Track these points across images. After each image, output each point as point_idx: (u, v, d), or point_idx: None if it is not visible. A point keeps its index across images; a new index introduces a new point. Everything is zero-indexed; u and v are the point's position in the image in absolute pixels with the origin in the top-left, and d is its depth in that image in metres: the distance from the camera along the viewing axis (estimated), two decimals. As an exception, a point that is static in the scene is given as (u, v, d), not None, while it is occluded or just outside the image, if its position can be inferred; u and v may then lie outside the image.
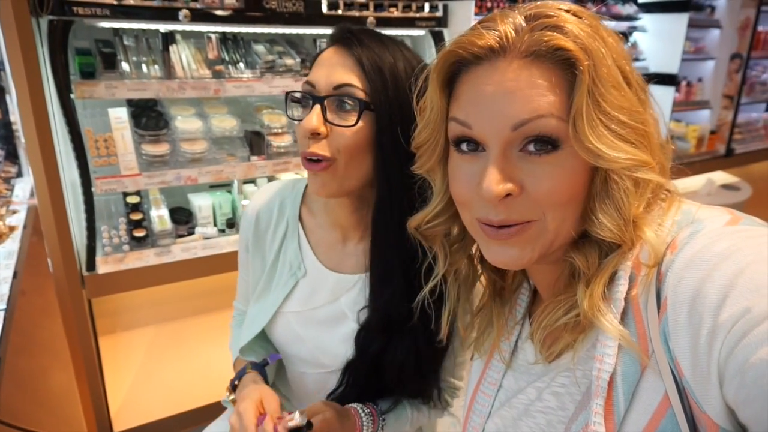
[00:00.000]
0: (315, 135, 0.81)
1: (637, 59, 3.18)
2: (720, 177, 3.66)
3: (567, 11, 0.55)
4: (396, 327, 0.91)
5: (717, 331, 0.44)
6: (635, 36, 3.24)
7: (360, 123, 0.81)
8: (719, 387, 0.44)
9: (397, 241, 0.86)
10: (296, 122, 0.86)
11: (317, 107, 0.81)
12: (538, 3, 0.56)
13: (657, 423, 0.50)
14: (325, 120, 0.81)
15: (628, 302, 0.53)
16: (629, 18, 3.03)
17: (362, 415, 0.94)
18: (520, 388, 0.68)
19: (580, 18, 0.54)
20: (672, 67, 3.10)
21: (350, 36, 0.82)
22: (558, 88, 0.53)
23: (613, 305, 0.54)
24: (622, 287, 0.54)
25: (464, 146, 0.58)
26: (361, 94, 0.80)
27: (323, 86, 0.82)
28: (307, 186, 1.03)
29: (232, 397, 0.95)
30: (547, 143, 0.53)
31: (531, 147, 0.54)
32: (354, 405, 0.95)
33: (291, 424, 0.80)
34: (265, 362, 0.99)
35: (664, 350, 0.49)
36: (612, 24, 2.89)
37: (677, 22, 3.05)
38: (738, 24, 3.46)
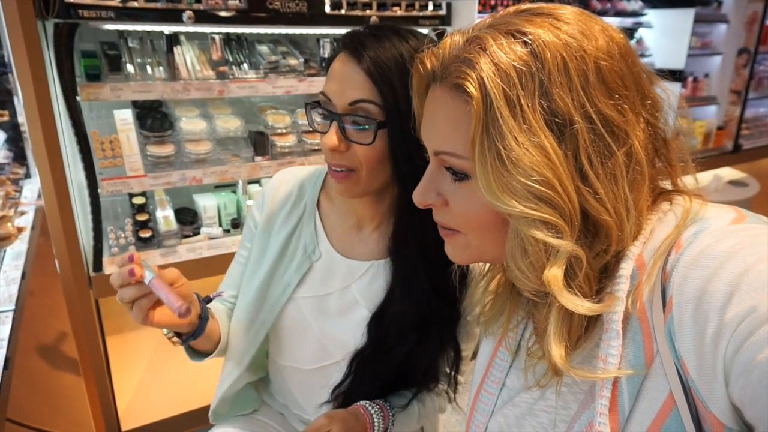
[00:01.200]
0: (335, 151, 0.86)
1: (642, 55, 3.16)
2: (727, 173, 3.64)
3: (511, 34, 0.51)
4: (423, 322, 0.93)
5: (723, 330, 0.43)
6: (641, 32, 3.22)
7: (377, 139, 0.84)
8: (725, 386, 0.44)
9: (417, 235, 0.90)
10: (318, 134, 0.91)
11: (335, 124, 0.84)
12: (514, 9, 0.56)
13: (661, 422, 0.50)
14: (345, 137, 0.85)
15: (633, 301, 0.53)
16: (634, 14, 3.01)
17: (372, 412, 0.94)
18: (523, 386, 0.68)
19: (525, 44, 0.50)
20: (678, 62, 3.08)
21: (359, 44, 0.83)
22: (467, 125, 0.52)
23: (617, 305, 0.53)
24: (623, 286, 0.53)
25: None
26: (374, 110, 0.82)
27: (339, 103, 0.84)
28: (327, 173, 1.04)
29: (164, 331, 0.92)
30: (457, 173, 0.57)
31: (450, 172, 0.58)
32: (361, 403, 0.95)
33: None
34: (209, 299, 0.97)
35: (669, 349, 0.49)
36: (617, 20, 2.88)
37: (683, 18, 3.02)
38: (745, 18, 3.42)
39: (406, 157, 0.84)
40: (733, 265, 0.45)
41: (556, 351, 0.53)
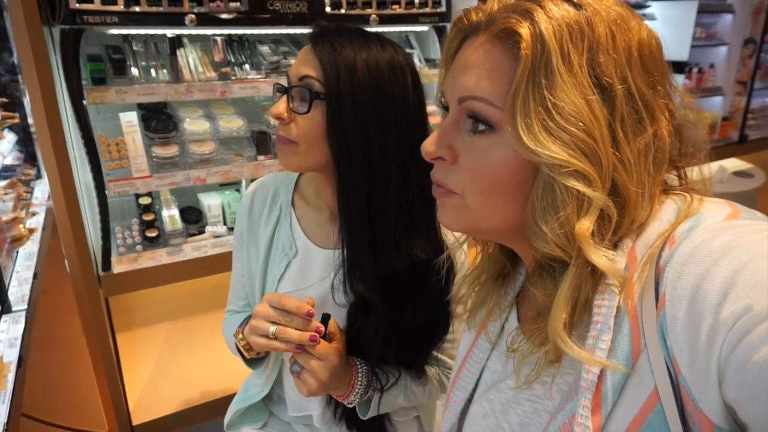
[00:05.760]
0: (281, 119, 0.92)
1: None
2: (733, 164, 3.61)
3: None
4: (371, 306, 0.96)
5: (718, 329, 0.42)
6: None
7: (313, 112, 0.90)
8: (718, 385, 0.43)
9: (362, 224, 0.93)
10: None
11: (285, 96, 0.93)
12: None
13: (644, 417, 0.49)
14: (289, 108, 0.92)
15: (623, 295, 0.52)
16: (638, 6, 3.00)
17: (359, 365, 0.97)
18: (507, 373, 0.67)
19: (579, 7, 0.52)
20: (682, 54, 3.07)
21: (318, 34, 0.91)
22: (507, 73, 0.53)
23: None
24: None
25: (442, 109, 0.63)
26: (317, 85, 0.89)
27: (292, 78, 0.93)
28: (300, 175, 1.10)
29: (241, 336, 0.97)
30: (483, 123, 0.55)
31: (470, 122, 0.57)
32: (355, 359, 0.98)
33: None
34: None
35: (660, 346, 0.48)
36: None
37: (687, 9, 3.01)
38: (751, 8, 3.39)
39: (341, 139, 0.89)
40: (728, 262, 0.44)
41: (559, 322, 0.53)
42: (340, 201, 0.95)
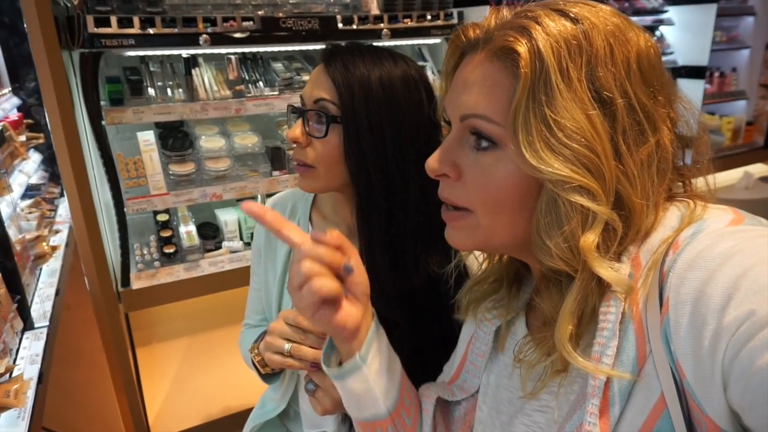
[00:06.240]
0: (297, 143, 0.92)
1: (664, 53, 3.10)
2: (759, 169, 3.52)
3: (561, 12, 0.53)
4: (393, 325, 0.95)
5: (721, 334, 0.42)
6: (662, 29, 3.16)
7: (330, 135, 0.89)
8: (723, 390, 0.43)
9: (383, 244, 0.93)
10: None
11: (301, 120, 0.92)
12: (549, 2, 0.56)
13: (653, 424, 0.49)
14: (306, 132, 0.91)
15: (628, 301, 0.52)
16: (654, 11, 2.96)
17: None
18: (514, 383, 0.67)
19: (576, 22, 0.52)
20: (702, 59, 3.01)
21: (331, 54, 0.91)
22: (508, 91, 0.53)
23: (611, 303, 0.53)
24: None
25: (444, 124, 0.63)
26: (332, 108, 0.89)
27: (306, 100, 0.92)
28: None
29: (256, 351, 0.97)
30: (486, 140, 0.55)
31: (473, 139, 0.57)
32: None
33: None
34: None
35: (665, 351, 0.48)
36: (636, 19, 2.82)
37: (705, 13, 2.96)
38: (774, 10, 3.32)
39: (359, 160, 0.89)
40: (731, 268, 0.44)
41: (565, 334, 0.53)
42: (360, 221, 0.94)
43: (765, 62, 3.40)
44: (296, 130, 0.91)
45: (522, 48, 0.51)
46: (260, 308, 1.15)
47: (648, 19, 2.93)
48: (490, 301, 0.71)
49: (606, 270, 0.51)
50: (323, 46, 0.94)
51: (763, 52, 3.37)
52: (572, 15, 0.53)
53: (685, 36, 3.11)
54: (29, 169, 2.17)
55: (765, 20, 3.31)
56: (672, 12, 3.04)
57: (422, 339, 0.96)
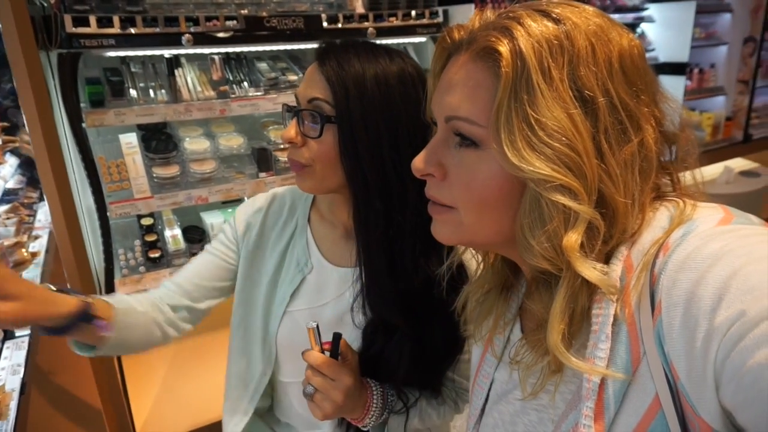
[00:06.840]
0: (292, 143, 0.91)
1: (645, 50, 3.13)
2: (738, 164, 3.59)
3: (543, 12, 0.54)
4: (392, 328, 0.94)
5: (712, 335, 0.43)
6: (643, 26, 3.20)
7: (325, 135, 0.88)
8: (715, 390, 0.44)
9: (380, 245, 0.91)
10: None
11: (295, 119, 0.91)
12: (532, 2, 0.56)
13: (647, 424, 0.50)
14: (301, 131, 0.90)
15: (620, 303, 0.53)
16: (635, 9, 3.00)
17: (374, 387, 0.94)
18: (513, 384, 0.68)
19: (558, 22, 0.53)
20: (682, 55, 3.06)
21: (325, 52, 0.89)
22: (490, 91, 0.54)
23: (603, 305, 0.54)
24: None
25: (432, 124, 0.64)
26: (327, 107, 0.87)
27: (301, 100, 0.91)
28: None
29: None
30: (468, 140, 0.56)
31: (458, 140, 0.58)
32: (369, 380, 0.95)
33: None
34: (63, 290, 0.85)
35: (658, 353, 0.49)
36: (617, 17, 2.86)
37: (685, 10, 3.00)
38: (750, 6, 3.39)
39: (354, 161, 0.87)
40: (721, 268, 0.44)
41: (557, 335, 0.53)
42: (357, 223, 0.93)
43: (742, 58, 3.46)
44: (291, 130, 0.90)
45: (504, 48, 0.52)
46: (200, 273, 1.06)
47: (629, 17, 2.96)
48: (491, 319, 0.72)
49: (589, 270, 0.51)
50: (308, 46, 0.93)
51: (740, 48, 3.43)
52: (554, 15, 0.53)
53: (665, 33, 3.15)
54: (6, 173, 2.11)
55: (742, 17, 3.38)
56: (653, 9, 3.08)
57: (423, 341, 0.95)
